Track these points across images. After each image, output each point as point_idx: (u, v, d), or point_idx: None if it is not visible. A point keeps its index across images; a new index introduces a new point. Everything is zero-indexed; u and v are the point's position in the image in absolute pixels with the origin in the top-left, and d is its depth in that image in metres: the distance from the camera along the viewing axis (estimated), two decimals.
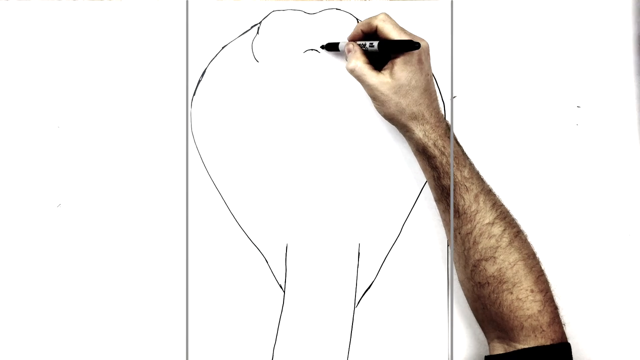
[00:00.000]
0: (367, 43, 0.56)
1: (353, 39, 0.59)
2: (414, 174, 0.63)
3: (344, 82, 0.63)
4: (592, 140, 0.64)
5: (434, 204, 0.60)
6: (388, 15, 0.56)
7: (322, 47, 0.63)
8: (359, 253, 0.62)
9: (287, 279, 0.62)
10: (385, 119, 0.58)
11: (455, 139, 0.57)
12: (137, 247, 0.62)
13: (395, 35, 0.55)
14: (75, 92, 0.63)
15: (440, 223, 0.61)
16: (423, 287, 0.62)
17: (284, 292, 0.62)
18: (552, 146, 0.64)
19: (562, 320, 0.55)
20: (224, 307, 0.62)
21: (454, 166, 0.56)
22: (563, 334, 0.55)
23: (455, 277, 0.61)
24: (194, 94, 0.63)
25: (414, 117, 0.56)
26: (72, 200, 0.62)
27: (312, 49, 0.63)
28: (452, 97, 0.63)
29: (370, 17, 0.57)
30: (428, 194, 0.62)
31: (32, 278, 0.61)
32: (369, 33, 0.57)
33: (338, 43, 0.61)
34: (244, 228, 0.62)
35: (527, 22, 0.64)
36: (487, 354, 0.57)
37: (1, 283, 0.61)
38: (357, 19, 0.63)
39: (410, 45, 0.53)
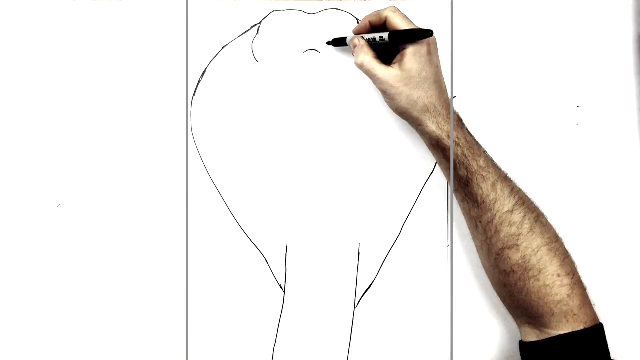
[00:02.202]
0: (377, 36, 0.56)
1: (359, 32, 0.58)
2: (414, 174, 0.63)
3: (344, 82, 0.63)
4: (592, 140, 0.64)
5: (434, 203, 0.60)
6: (397, 8, 0.56)
7: (328, 43, 0.62)
8: (359, 253, 0.62)
9: (287, 279, 0.62)
10: (397, 113, 0.57)
11: (467, 129, 0.57)
12: (137, 247, 0.62)
13: (405, 26, 0.55)
14: (75, 92, 0.63)
15: (441, 223, 0.61)
16: (423, 287, 0.62)
17: (284, 292, 0.62)
18: (552, 146, 0.64)
19: (592, 301, 0.54)
20: (224, 307, 0.62)
21: (469, 157, 0.55)
22: (595, 315, 0.54)
23: (456, 276, 0.61)
24: (194, 94, 0.63)
25: (426, 109, 0.55)
26: (72, 200, 0.62)
27: (312, 49, 0.63)
28: (452, 97, 0.63)
29: (379, 10, 0.57)
30: (428, 194, 0.62)
31: (32, 278, 0.61)
32: (377, 25, 0.57)
33: (345, 38, 0.61)
34: (244, 228, 0.62)
35: (527, 22, 0.64)
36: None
37: (1, 283, 0.61)
38: (357, 19, 0.63)
39: (423, 34, 0.53)
